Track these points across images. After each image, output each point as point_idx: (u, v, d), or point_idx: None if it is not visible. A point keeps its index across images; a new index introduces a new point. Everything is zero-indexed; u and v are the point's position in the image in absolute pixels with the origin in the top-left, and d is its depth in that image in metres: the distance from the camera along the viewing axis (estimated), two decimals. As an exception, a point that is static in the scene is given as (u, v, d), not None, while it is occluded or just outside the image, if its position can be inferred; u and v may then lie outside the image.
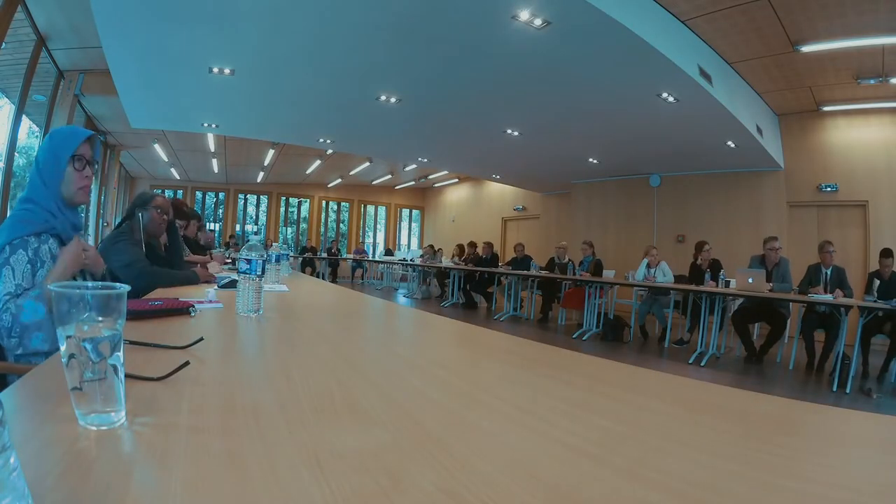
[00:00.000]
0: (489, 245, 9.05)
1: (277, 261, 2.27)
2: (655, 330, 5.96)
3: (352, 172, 12.54)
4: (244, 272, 1.27)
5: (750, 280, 4.72)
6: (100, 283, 0.50)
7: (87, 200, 1.42)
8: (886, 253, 4.56)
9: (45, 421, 0.49)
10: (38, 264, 1.27)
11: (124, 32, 4.46)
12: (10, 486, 0.29)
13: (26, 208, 1.31)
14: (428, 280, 10.30)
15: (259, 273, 1.28)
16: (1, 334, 1.22)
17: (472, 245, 9.60)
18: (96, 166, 1.43)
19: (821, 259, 4.76)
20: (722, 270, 5.29)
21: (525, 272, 7.26)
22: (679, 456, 0.51)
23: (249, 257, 1.27)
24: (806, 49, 4.98)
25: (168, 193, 13.42)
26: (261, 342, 1.08)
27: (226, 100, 6.38)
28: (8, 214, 2.63)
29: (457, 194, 14.72)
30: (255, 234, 13.90)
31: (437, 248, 11.00)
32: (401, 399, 0.64)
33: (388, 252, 13.68)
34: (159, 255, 2.36)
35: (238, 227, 13.90)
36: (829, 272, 4.69)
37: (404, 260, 11.42)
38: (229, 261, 4.25)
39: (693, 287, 5.18)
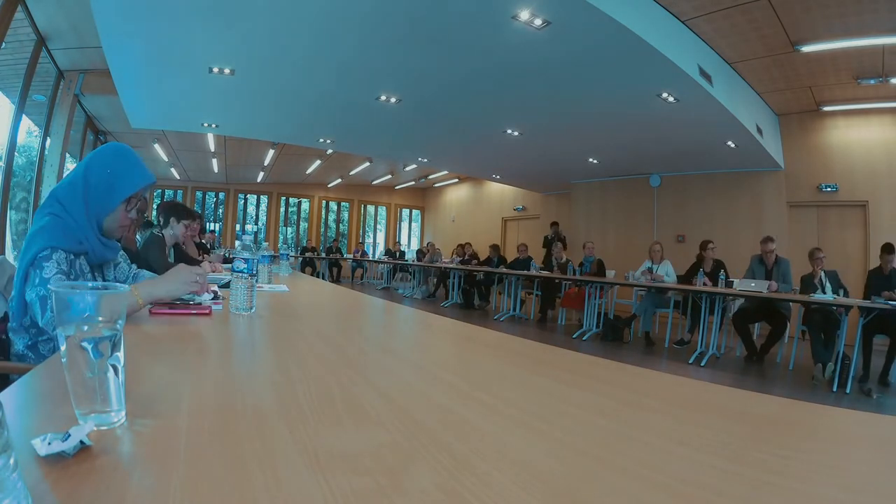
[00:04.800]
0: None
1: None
2: (656, 330, 5.95)
3: (352, 172, 12.54)
4: (237, 271, 1.27)
5: (752, 285, 4.74)
6: (100, 283, 0.50)
7: (121, 236, 1.38)
8: (888, 248, 4.57)
9: (45, 421, 0.49)
10: (73, 276, 1.23)
11: (124, 32, 4.46)
12: (10, 486, 0.29)
13: (61, 218, 1.23)
14: (429, 279, 10.31)
15: (252, 272, 1.28)
16: (22, 317, 1.22)
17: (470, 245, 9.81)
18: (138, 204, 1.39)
19: (812, 265, 4.76)
20: (722, 271, 5.29)
21: (525, 272, 7.26)
22: (679, 456, 0.51)
23: (241, 256, 1.28)
24: (806, 49, 4.98)
25: (168, 193, 13.44)
26: (256, 342, 1.08)
27: (226, 100, 6.38)
28: (8, 213, 2.65)
29: (457, 194, 14.73)
30: (255, 232, 13.89)
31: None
32: (401, 399, 0.64)
33: (389, 252, 13.68)
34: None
35: (238, 227, 13.91)
36: (822, 275, 4.70)
37: (403, 260, 11.43)
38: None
39: (693, 287, 5.18)
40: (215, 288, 1.69)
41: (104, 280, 1.42)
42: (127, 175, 1.28)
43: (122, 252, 1.59)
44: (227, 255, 4.96)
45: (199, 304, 1.27)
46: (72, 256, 1.23)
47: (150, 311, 1.18)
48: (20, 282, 1.20)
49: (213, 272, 2.75)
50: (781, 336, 4.77)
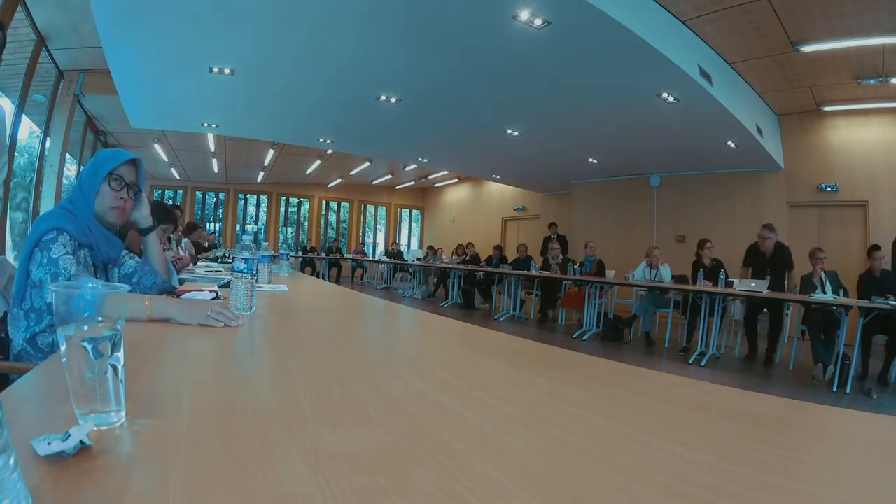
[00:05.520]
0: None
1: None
2: (656, 329, 5.94)
3: (352, 172, 12.54)
4: (237, 271, 1.27)
5: (752, 285, 4.73)
6: (100, 283, 0.50)
7: (120, 222, 1.42)
8: (875, 248, 4.59)
9: (45, 421, 0.49)
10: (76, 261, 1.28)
11: (124, 32, 4.46)
12: (10, 486, 0.29)
13: (69, 210, 1.31)
14: (429, 279, 10.31)
15: (252, 272, 1.29)
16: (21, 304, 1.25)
17: (471, 245, 9.82)
18: (140, 193, 1.44)
19: (812, 265, 4.76)
20: (722, 270, 5.28)
21: (525, 272, 7.26)
22: (679, 456, 0.51)
23: (241, 257, 1.28)
24: (806, 49, 4.98)
25: (168, 194, 13.45)
26: (256, 342, 1.08)
27: (226, 100, 6.38)
28: (8, 213, 2.66)
29: (457, 194, 14.73)
30: (255, 232, 13.90)
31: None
32: (401, 399, 0.64)
33: (389, 253, 13.69)
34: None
35: (238, 227, 13.92)
36: (822, 275, 4.70)
37: (403, 260, 11.42)
38: (229, 260, 4.28)
39: (693, 287, 5.17)
40: (215, 287, 1.69)
41: (108, 280, 1.44)
42: (106, 159, 1.36)
43: (130, 252, 1.60)
44: (226, 255, 4.97)
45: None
46: (76, 244, 1.28)
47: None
48: (24, 260, 1.24)
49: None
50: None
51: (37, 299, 1.25)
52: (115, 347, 0.49)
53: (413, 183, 14.57)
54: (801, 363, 4.65)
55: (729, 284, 5.08)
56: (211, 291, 1.52)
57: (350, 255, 13.14)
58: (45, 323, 1.27)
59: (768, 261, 5.07)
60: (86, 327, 0.47)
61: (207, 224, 13.44)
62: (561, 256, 7.41)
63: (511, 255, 9.10)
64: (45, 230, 1.23)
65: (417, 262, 10.48)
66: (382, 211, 15.99)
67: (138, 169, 1.41)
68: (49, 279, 1.19)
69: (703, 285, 5.21)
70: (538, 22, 3.95)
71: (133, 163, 1.39)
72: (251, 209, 14.38)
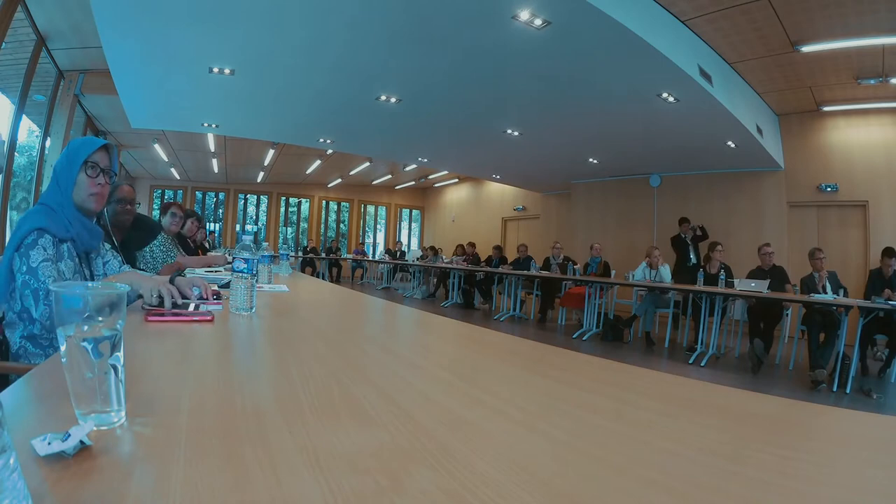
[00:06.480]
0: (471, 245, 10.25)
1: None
2: (656, 329, 5.94)
3: (352, 172, 12.54)
4: (237, 271, 1.27)
5: (752, 285, 4.73)
6: (100, 283, 0.50)
7: (99, 208, 1.44)
8: (889, 252, 4.57)
9: (45, 421, 0.49)
10: (58, 258, 1.31)
11: (124, 32, 4.46)
12: (10, 486, 0.29)
13: (46, 205, 1.33)
14: (429, 279, 10.31)
15: (252, 272, 1.29)
16: (13, 306, 1.27)
17: (472, 245, 9.83)
18: (114, 178, 1.46)
19: (812, 266, 4.75)
20: (722, 272, 5.28)
21: (525, 272, 7.26)
22: (679, 456, 0.51)
23: (242, 257, 1.28)
24: (806, 49, 4.98)
25: (168, 193, 13.44)
26: (256, 342, 1.08)
27: (226, 100, 6.38)
28: (8, 213, 2.67)
29: (457, 194, 14.72)
30: (255, 232, 13.89)
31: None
32: (401, 399, 0.64)
33: (390, 252, 13.67)
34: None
35: (238, 227, 13.92)
36: (818, 275, 4.70)
37: (404, 260, 11.42)
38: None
39: (692, 287, 5.17)
40: (216, 287, 1.69)
41: (91, 269, 1.48)
42: (79, 147, 1.38)
43: (111, 249, 1.61)
44: (226, 254, 4.97)
45: (199, 310, 1.26)
46: (57, 241, 1.30)
47: (145, 318, 1.12)
48: (7, 261, 1.26)
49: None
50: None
51: (26, 300, 1.27)
52: (115, 347, 0.49)
53: (413, 183, 14.57)
54: (801, 363, 4.66)
55: (729, 285, 5.08)
56: (213, 293, 1.51)
57: (350, 255, 13.13)
58: (37, 327, 1.29)
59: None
60: (86, 327, 0.47)
61: (208, 224, 13.44)
62: (561, 256, 7.42)
63: (511, 255, 9.10)
64: (25, 233, 1.25)
65: (417, 262, 10.48)
66: (382, 211, 16.00)
67: (111, 154, 1.43)
68: (30, 294, 1.22)
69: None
70: (538, 22, 3.95)
71: (106, 148, 1.41)
72: (251, 209, 14.38)
